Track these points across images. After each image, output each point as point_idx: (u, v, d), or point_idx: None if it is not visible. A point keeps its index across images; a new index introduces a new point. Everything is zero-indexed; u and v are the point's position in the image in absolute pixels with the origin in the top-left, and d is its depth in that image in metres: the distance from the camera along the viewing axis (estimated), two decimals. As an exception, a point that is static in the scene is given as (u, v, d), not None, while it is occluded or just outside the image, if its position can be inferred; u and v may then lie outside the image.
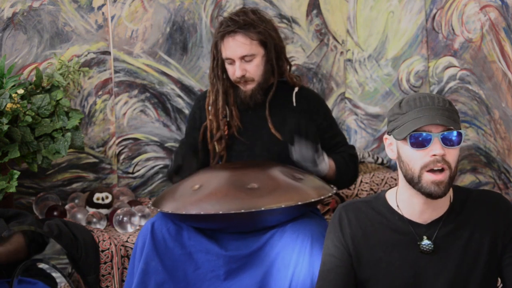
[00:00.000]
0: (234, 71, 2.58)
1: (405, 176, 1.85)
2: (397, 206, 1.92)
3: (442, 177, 1.80)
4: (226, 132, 2.65)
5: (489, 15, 2.85)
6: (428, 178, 1.80)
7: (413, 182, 1.83)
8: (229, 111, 2.65)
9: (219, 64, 2.63)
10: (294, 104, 2.65)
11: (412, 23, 3.28)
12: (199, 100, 2.82)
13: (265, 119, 2.63)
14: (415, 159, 1.81)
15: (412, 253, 1.89)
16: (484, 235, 1.89)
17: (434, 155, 1.79)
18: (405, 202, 1.91)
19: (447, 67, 3.13)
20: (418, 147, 1.81)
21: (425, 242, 1.88)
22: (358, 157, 2.75)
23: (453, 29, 3.06)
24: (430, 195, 1.82)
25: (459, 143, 1.81)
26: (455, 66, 3.08)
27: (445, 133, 1.80)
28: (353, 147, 2.75)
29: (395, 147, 1.89)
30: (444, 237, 1.88)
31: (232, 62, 2.58)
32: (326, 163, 2.55)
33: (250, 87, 2.60)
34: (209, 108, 2.69)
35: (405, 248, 1.89)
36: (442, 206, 1.90)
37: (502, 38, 2.81)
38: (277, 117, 2.64)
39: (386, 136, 1.93)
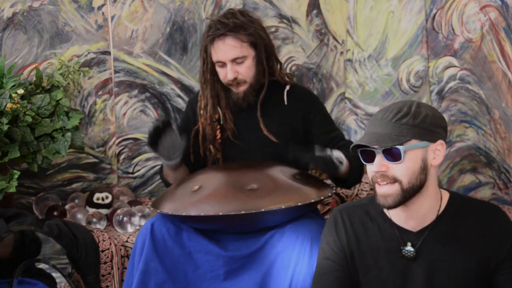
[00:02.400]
0: (226, 74, 2.56)
1: None
2: (388, 211, 1.93)
3: (388, 190, 1.82)
4: (219, 136, 2.64)
5: (489, 15, 2.85)
6: (377, 190, 1.85)
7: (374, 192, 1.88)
8: (222, 114, 2.63)
9: (208, 68, 2.60)
10: (286, 103, 2.65)
11: (412, 23, 3.28)
12: (191, 102, 2.79)
13: (258, 120, 2.62)
14: (369, 172, 1.87)
15: (398, 259, 1.89)
16: (474, 249, 1.86)
17: (376, 171, 1.83)
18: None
19: (447, 67, 3.13)
20: (367, 162, 1.86)
21: (408, 248, 1.88)
22: None
23: (453, 29, 3.06)
24: (382, 206, 1.86)
25: (399, 159, 1.82)
26: (455, 66, 3.08)
27: (386, 148, 1.82)
28: (352, 142, 2.68)
29: None
30: (429, 245, 1.87)
31: (223, 65, 2.56)
32: (344, 165, 2.48)
33: (242, 89, 2.59)
34: (201, 112, 2.67)
35: (391, 254, 1.90)
36: (427, 214, 1.89)
37: (502, 38, 2.81)
38: (270, 118, 2.62)
39: None
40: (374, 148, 1.82)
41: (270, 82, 2.64)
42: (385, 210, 1.94)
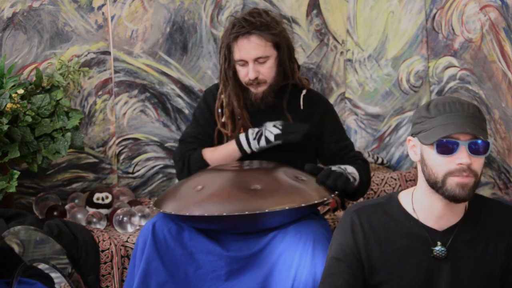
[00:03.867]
0: (247, 73, 2.54)
1: (428, 180, 1.82)
2: (413, 209, 1.89)
3: (467, 180, 1.78)
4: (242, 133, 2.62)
5: (489, 15, 2.85)
6: (453, 181, 1.78)
7: (437, 186, 1.80)
8: (239, 114, 2.63)
9: (231, 65, 2.59)
10: (302, 107, 2.63)
11: (412, 23, 3.28)
12: (213, 94, 2.71)
13: (280, 120, 2.60)
14: (440, 165, 1.79)
15: (425, 258, 1.86)
16: (499, 247, 1.87)
17: (460, 163, 1.76)
18: (423, 206, 1.87)
19: (447, 67, 3.13)
20: (445, 154, 1.78)
21: (438, 248, 1.85)
22: (369, 162, 2.69)
23: (453, 29, 3.06)
24: (454, 198, 1.79)
25: (485, 152, 1.78)
26: (455, 66, 3.08)
27: (473, 141, 1.77)
28: (361, 153, 2.68)
29: (418, 150, 1.86)
30: (459, 244, 1.86)
31: (245, 63, 2.54)
32: (357, 181, 2.49)
33: (261, 89, 2.57)
34: (219, 110, 2.65)
35: (418, 253, 1.87)
36: (459, 212, 1.87)
37: (502, 38, 2.81)
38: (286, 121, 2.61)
39: (409, 137, 1.89)
40: (459, 139, 1.76)
41: (288, 85, 2.62)
42: (408, 208, 1.89)
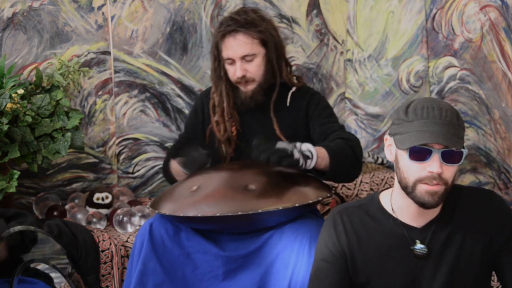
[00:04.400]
0: (235, 72, 2.54)
1: (400, 183, 1.84)
2: (392, 209, 1.91)
3: (437, 188, 1.78)
4: (234, 133, 2.63)
5: (489, 15, 2.85)
6: (422, 188, 1.78)
7: (407, 191, 1.81)
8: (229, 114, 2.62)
9: (221, 64, 2.59)
10: (288, 104, 2.63)
11: (412, 23, 3.28)
12: (202, 100, 2.74)
13: (265, 121, 2.60)
14: (412, 170, 1.79)
15: (406, 257, 1.87)
16: (477, 235, 1.87)
17: (431, 171, 1.76)
18: (399, 205, 1.89)
19: (447, 67, 3.13)
20: (417, 160, 1.78)
21: (419, 246, 1.87)
22: (356, 140, 2.47)
23: (453, 29, 3.06)
24: (423, 205, 1.80)
25: (459, 161, 1.78)
26: (455, 66, 3.08)
27: (447, 150, 1.76)
28: (348, 132, 2.54)
29: (393, 150, 1.86)
30: (438, 240, 1.87)
31: (233, 62, 2.54)
32: (314, 159, 2.30)
33: (250, 87, 2.57)
34: (213, 110, 2.65)
35: (399, 252, 1.88)
36: (436, 209, 1.88)
37: (502, 38, 2.81)
38: (277, 119, 2.61)
39: (386, 136, 1.90)
40: (432, 147, 1.75)
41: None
42: (387, 207, 1.91)
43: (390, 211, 1.91)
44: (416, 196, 1.79)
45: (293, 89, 2.63)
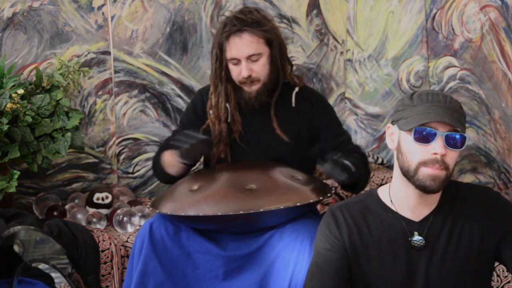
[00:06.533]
0: (240, 72, 2.52)
1: (401, 168, 1.85)
2: (391, 201, 1.92)
3: (439, 172, 1.80)
4: (225, 135, 2.60)
5: (489, 15, 2.85)
6: (424, 172, 1.80)
7: (409, 175, 1.83)
8: (230, 115, 2.60)
9: (223, 65, 2.57)
10: (293, 105, 2.62)
11: (412, 23, 3.28)
12: (202, 96, 2.71)
13: (267, 121, 2.59)
14: (415, 153, 1.81)
15: (405, 249, 1.89)
16: (474, 229, 1.89)
17: (435, 153, 1.79)
18: (398, 196, 1.91)
19: (447, 67, 3.13)
20: (421, 142, 1.80)
21: (416, 237, 1.88)
22: (367, 156, 2.64)
23: (453, 29, 3.06)
24: (424, 189, 1.82)
25: (462, 145, 1.81)
26: (455, 66, 3.08)
27: (450, 133, 1.79)
28: (360, 147, 2.65)
29: (396, 137, 1.88)
30: (435, 232, 1.89)
31: (238, 62, 2.52)
32: (354, 173, 2.41)
33: (255, 87, 2.55)
34: (210, 111, 2.63)
35: (397, 244, 1.90)
36: (434, 201, 1.90)
37: (502, 38, 2.81)
38: (278, 119, 2.60)
39: (389, 125, 1.91)
40: (437, 129, 1.78)
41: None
42: (386, 201, 1.92)
43: (389, 204, 1.93)
44: (418, 179, 1.81)
45: (296, 89, 2.62)
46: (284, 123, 2.58)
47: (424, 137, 1.80)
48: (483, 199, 1.93)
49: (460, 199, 1.92)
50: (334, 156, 2.36)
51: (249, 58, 2.50)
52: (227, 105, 2.59)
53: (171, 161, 2.54)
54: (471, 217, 1.90)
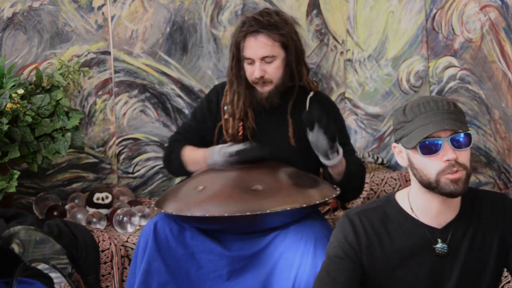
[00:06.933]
0: (253, 71, 2.54)
1: (421, 182, 1.84)
2: (411, 209, 1.90)
3: (459, 175, 1.79)
4: (240, 133, 2.62)
5: (489, 15, 2.85)
6: (446, 179, 1.79)
7: (431, 187, 1.82)
8: (244, 112, 2.61)
9: (240, 63, 2.58)
10: (307, 109, 2.63)
11: (412, 23, 3.28)
12: (217, 90, 2.73)
13: (280, 122, 2.59)
14: (429, 166, 1.80)
15: (427, 257, 1.88)
16: (492, 235, 1.89)
17: (448, 160, 1.78)
18: (419, 204, 1.89)
19: (447, 67, 3.13)
20: (429, 154, 1.79)
21: (440, 245, 1.87)
22: (365, 169, 2.68)
23: (453, 29, 3.06)
24: (450, 195, 1.81)
25: (469, 144, 1.81)
26: (455, 66, 3.08)
27: (454, 136, 1.79)
28: (361, 160, 2.68)
29: (405, 155, 1.87)
30: (458, 240, 1.88)
31: (252, 62, 2.54)
32: (338, 160, 2.46)
33: (267, 89, 2.57)
34: (225, 107, 2.65)
35: (420, 252, 1.88)
36: (455, 208, 1.89)
37: (502, 38, 2.81)
38: (294, 123, 2.60)
39: (394, 144, 1.91)
40: (440, 137, 1.78)
41: (295, 86, 2.62)
42: (406, 208, 1.91)
43: (409, 212, 1.90)
44: (442, 188, 1.80)
45: (311, 94, 2.64)
46: (297, 127, 2.58)
47: (430, 149, 1.79)
48: (499, 205, 1.92)
49: (479, 205, 1.92)
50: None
51: (263, 59, 2.52)
52: (242, 102, 2.60)
53: (195, 158, 2.58)
54: (490, 223, 1.90)
